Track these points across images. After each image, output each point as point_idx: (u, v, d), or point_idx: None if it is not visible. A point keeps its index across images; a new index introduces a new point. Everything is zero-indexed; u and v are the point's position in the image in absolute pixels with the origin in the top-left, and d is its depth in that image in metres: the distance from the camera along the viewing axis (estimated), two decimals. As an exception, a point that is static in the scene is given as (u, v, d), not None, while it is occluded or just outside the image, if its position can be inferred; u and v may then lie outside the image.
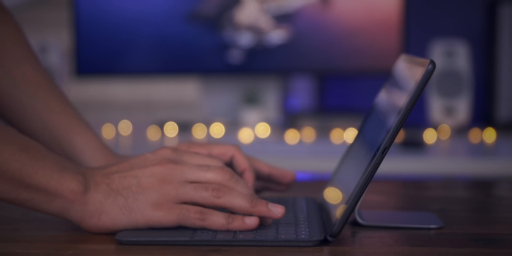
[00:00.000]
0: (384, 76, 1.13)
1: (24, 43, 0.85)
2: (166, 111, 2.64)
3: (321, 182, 0.88)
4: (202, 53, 2.00)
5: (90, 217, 0.67)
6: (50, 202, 0.66)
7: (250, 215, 0.68)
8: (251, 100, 2.06)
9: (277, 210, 0.68)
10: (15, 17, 0.87)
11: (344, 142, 1.82)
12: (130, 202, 0.67)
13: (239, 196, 0.67)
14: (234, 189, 0.68)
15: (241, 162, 0.78)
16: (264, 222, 0.69)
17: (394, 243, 0.67)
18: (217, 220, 0.66)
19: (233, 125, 2.04)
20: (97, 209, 0.66)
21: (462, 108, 1.96)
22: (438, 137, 1.90)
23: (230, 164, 0.80)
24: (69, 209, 0.66)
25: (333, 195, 0.74)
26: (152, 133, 1.94)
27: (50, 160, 0.66)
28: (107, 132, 1.93)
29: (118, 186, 0.67)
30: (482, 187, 1.03)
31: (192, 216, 0.66)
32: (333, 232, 0.66)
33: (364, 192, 0.66)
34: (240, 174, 0.79)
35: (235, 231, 0.67)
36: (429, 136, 1.87)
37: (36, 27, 2.46)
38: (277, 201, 0.79)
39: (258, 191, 0.83)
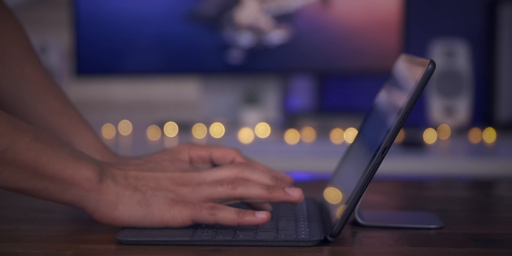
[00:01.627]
0: (384, 76, 1.13)
1: (25, 42, 0.85)
2: (166, 111, 2.64)
3: (321, 182, 0.88)
4: (202, 53, 2.00)
5: (105, 207, 0.67)
6: (65, 190, 0.66)
7: (263, 207, 0.70)
8: (251, 100, 2.06)
9: (294, 192, 0.69)
10: (17, 16, 0.87)
11: (344, 142, 1.82)
12: (149, 196, 0.67)
13: (254, 186, 0.68)
14: (249, 180, 0.69)
15: None
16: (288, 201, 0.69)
17: (394, 243, 0.67)
18: (227, 215, 0.67)
19: (233, 125, 2.04)
20: (113, 200, 0.67)
21: (462, 108, 1.96)
22: (438, 137, 1.90)
23: None
24: (84, 197, 0.66)
25: (333, 195, 0.74)
26: (152, 133, 1.94)
27: (65, 150, 0.66)
28: (107, 132, 1.93)
29: (136, 182, 0.68)
30: (482, 187, 1.03)
31: (204, 212, 0.67)
32: (333, 232, 0.66)
33: (364, 192, 0.66)
34: None
35: (235, 231, 0.67)
36: (429, 136, 1.87)
37: (36, 27, 2.46)
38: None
39: None
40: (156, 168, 0.70)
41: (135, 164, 0.70)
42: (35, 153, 0.64)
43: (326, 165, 1.23)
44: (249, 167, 0.70)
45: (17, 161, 0.64)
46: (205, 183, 0.69)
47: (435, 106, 1.97)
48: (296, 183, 0.88)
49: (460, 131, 1.96)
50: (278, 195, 0.69)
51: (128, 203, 0.67)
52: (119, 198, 0.67)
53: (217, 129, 1.95)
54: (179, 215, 0.67)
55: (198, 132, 1.93)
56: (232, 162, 0.79)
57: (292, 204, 0.74)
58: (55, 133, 0.82)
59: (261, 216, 0.67)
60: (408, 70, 0.70)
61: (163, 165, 0.71)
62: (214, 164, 0.80)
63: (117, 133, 1.95)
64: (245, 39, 2.00)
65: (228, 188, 0.68)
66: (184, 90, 2.70)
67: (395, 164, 1.63)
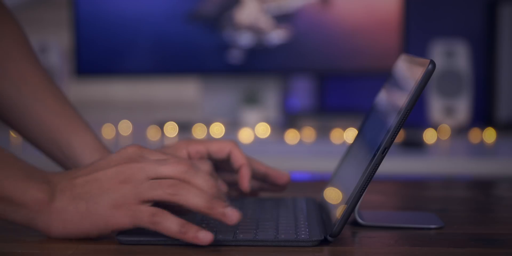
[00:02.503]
0: (384, 76, 1.13)
1: (24, 42, 0.85)
2: (166, 111, 2.64)
3: (321, 182, 0.88)
4: (202, 53, 2.00)
5: (55, 226, 0.65)
6: (16, 212, 0.65)
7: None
8: (251, 100, 2.06)
9: (231, 217, 0.64)
10: (15, 16, 0.86)
11: (344, 142, 1.82)
12: (90, 205, 0.65)
13: (196, 195, 0.64)
14: (192, 185, 0.65)
15: (238, 158, 0.79)
16: (223, 221, 0.65)
17: (394, 243, 0.67)
18: (170, 226, 0.64)
19: (233, 125, 2.04)
20: (60, 217, 0.65)
21: (462, 108, 1.96)
22: (438, 137, 1.90)
23: (227, 160, 0.80)
24: (35, 219, 0.65)
25: (333, 195, 0.74)
26: (152, 133, 1.94)
27: (16, 168, 0.65)
28: (107, 132, 1.93)
29: (80, 191, 0.66)
30: (482, 187, 1.03)
31: (145, 220, 0.64)
32: (333, 232, 0.66)
33: (364, 192, 0.66)
34: (237, 170, 0.79)
35: (235, 231, 0.67)
36: (429, 136, 1.87)
37: (36, 27, 2.45)
38: (277, 201, 0.80)
39: (255, 191, 0.83)
40: (101, 165, 0.67)
41: (85, 167, 0.68)
42: None
43: (326, 165, 1.23)
44: (193, 168, 0.66)
45: None
46: (148, 178, 0.66)
47: (435, 106, 1.97)
48: (296, 183, 0.88)
49: (460, 131, 1.96)
50: (216, 213, 0.64)
51: (74, 219, 0.65)
52: (65, 215, 0.65)
53: (217, 129, 1.95)
54: (121, 221, 0.65)
55: (198, 132, 1.93)
56: (229, 155, 0.79)
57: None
58: (53, 135, 0.82)
59: (204, 237, 0.63)
60: (408, 70, 0.70)
61: (109, 159, 0.68)
62: (212, 158, 0.80)
63: (117, 133, 1.95)
64: (245, 39, 2.00)
65: (168, 193, 0.64)
66: (184, 90, 2.70)
67: (395, 164, 1.63)
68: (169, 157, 0.68)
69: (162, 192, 0.64)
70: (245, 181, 0.78)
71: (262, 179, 0.82)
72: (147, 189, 0.65)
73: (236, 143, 0.80)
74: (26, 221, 0.66)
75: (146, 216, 0.64)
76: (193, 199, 0.64)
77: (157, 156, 0.68)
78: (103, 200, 0.65)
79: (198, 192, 0.64)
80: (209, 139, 0.84)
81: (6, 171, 0.65)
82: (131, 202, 0.65)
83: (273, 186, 0.83)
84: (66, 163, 0.82)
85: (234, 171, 0.80)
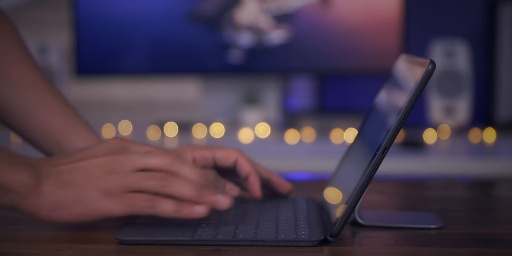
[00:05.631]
0: (384, 76, 1.13)
1: (20, 44, 0.86)
2: (166, 111, 2.64)
3: (321, 182, 0.88)
4: (202, 53, 2.00)
5: (43, 209, 0.66)
6: (3, 195, 0.66)
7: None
8: (251, 100, 2.06)
9: (223, 202, 0.67)
10: (11, 18, 0.87)
11: (344, 142, 1.82)
12: (81, 193, 0.67)
13: (185, 185, 0.67)
14: (180, 176, 0.68)
15: (246, 166, 0.79)
16: (215, 208, 0.68)
17: (394, 243, 0.67)
18: (166, 207, 0.66)
19: (233, 125, 2.04)
20: (49, 201, 0.66)
21: (462, 108, 1.96)
22: (438, 137, 1.90)
23: (233, 168, 0.80)
24: (21, 201, 0.66)
25: (333, 195, 0.74)
26: (152, 133, 1.94)
27: (1, 155, 0.66)
28: (107, 132, 1.93)
29: (67, 178, 0.67)
30: (482, 187, 1.03)
31: (142, 204, 0.66)
32: (333, 232, 0.66)
33: (364, 192, 0.66)
34: (245, 178, 0.79)
35: (235, 231, 0.67)
36: (429, 136, 1.87)
37: (36, 27, 2.46)
38: (277, 201, 0.80)
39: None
40: (86, 154, 0.69)
41: (68, 155, 0.69)
42: None
43: (326, 165, 1.23)
44: (179, 160, 0.68)
45: None
46: (134, 170, 0.67)
47: (435, 106, 1.97)
48: (296, 183, 0.89)
49: (460, 131, 1.96)
50: (207, 201, 0.67)
51: (64, 203, 0.66)
52: (53, 199, 0.66)
53: (217, 129, 1.95)
54: (117, 207, 0.66)
55: (198, 132, 1.93)
56: (235, 163, 0.79)
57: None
58: (54, 135, 0.83)
59: (199, 211, 0.66)
60: (408, 70, 0.70)
61: (93, 149, 0.69)
62: (216, 165, 0.80)
63: (117, 133, 1.95)
64: (245, 39, 2.00)
65: (157, 185, 0.67)
66: (184, 90, 2.70)
67: (395, 164, 1.63)
68: (154, 149, 0.70)
69: (152, 184, 0.67)
70: (256, 189, 0.79)
71: (264, 184, 0.82)
72: (137, 180, 0.67)
73: (241, 150, 0.80)
74: (15, 205, 0.66)
75: (142, 201, 0.66)
76: (183, 190, 0.67)
77: (141, 148, 0.70)
78: (93, 188, 0.67)
79: (187, 182, 0.67)
80: (209, 140, 0.85)
81: None
82: (122, 191, 0.67)
83: (275, 193, 0.83)
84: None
85: (242, 179, 0.80)
